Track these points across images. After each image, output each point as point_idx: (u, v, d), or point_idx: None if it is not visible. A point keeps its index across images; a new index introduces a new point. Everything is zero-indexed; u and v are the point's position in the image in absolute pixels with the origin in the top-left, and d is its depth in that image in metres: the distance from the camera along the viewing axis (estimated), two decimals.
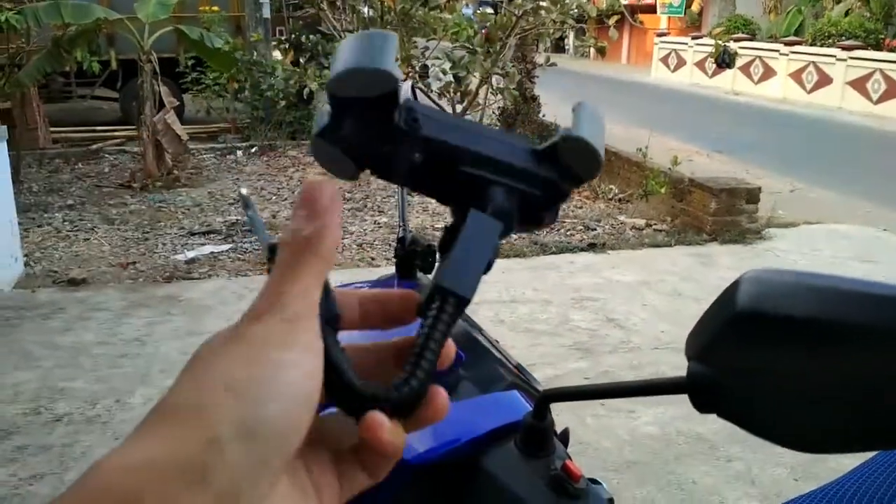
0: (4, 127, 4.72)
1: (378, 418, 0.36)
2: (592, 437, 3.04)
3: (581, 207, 6.41)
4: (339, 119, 0.41)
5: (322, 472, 0.37)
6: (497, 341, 1.23)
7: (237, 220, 5.89)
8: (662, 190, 6.14)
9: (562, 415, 3.16)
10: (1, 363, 3.61)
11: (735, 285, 0.50)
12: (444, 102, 7.81)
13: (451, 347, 0.39)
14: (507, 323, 4.07)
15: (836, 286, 0.46)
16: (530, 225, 0.45)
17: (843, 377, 0.46)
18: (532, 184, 0.43)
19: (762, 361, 0.48)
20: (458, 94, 7.76)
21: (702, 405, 0.52)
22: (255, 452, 0.30)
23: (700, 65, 18.99)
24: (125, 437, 0.32)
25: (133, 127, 7.79)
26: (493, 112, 8.59)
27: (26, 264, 4.88)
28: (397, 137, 0.40)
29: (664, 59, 20.83)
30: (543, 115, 8.12)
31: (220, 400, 0.31)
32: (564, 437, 0.88)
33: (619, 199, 6.56)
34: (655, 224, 5.89)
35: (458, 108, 7.80)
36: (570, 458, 0.71)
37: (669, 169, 6.31)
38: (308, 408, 0.33)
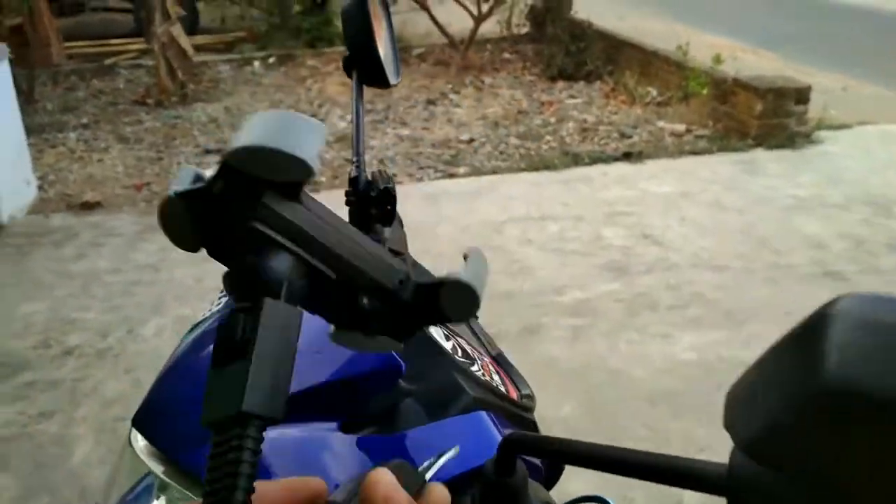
0: (4, 45, 4.47)
1: None
2: (624, 365, 2.85)
3: (616, 113, 6.03)
4: (217, 190, 0.39)
5: None
6: (474, 317, 0.96)
7: None
8: (704, 91, 5.74)
9: (594, 340, 2.94)
10: (12, 294, 3.50)
11: (821, 328, 0.30)
12: (469, 2, 7.35)
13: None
14: (536, 242, 3.84)
15: None
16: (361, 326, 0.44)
17: None
18: (386, 298, 0.43)
19: (856, 466, 0.29)
20: None
21: None
22: None
23: None
24: None
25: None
26: (522, 10, 8.09)
27: (40, 188, 4.74)
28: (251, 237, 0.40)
29: None
30: (575, 12, 7.62)
31: None
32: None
33: (658, 103, 6.16)
34: (696, 129, 5.52)
35: (485, 7, 7.34)
36: None
37: (711, 68, 5.88)
38: None
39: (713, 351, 2.92)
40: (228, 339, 0.38)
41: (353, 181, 0.88)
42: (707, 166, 4.86)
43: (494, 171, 4.86)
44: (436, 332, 0.77)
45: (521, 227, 4.01)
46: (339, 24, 6.69)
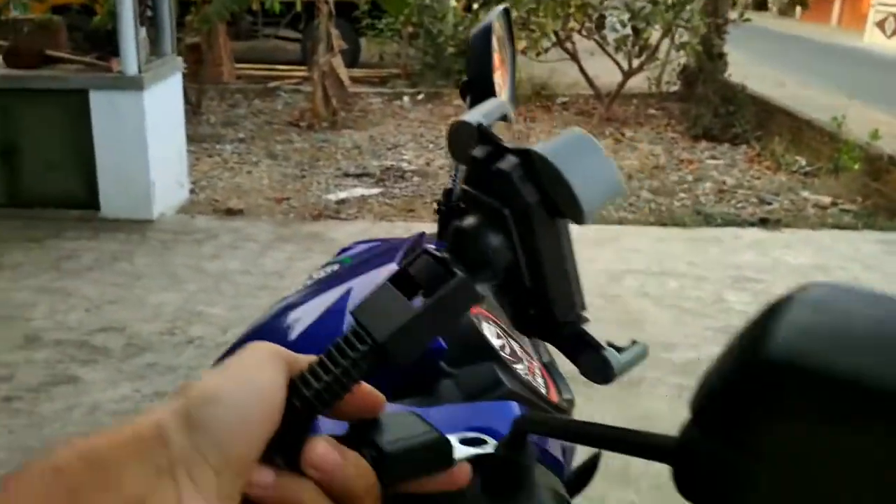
0: (180, 58, 4.92)
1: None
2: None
3: (758, 178, 5.81)
4: (507, 167, 0.43)
5: None
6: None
7: (392, 164, 5.88)
8: (856, 166, 5.43)
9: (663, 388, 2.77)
10: (150, 283, 3.80)
11: (779, 308, 0.32)
12: (620, 57, 7.36)
13: (372, 396, 0.42)
14: (652, 297, 3.75)
15: None
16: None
17: None
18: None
19: (792, 443, 0.30)
20: (636, 47, 7.28)
21: (686, 487, 0.33)
22: (195, 441, 0.35)
23: None
24: None
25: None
26: (674, 69, 7.99)
27: (192, 191, 5.13)
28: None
29: (880, 24, 18.60)
30: (729, 75, 7.44)
31: (177, 399, 0.37)
32: (588, 468, 0.64)
33: (805, 173, 5.88)
34: (842, 203, 5.22)
35: (636, 62, 7.32)
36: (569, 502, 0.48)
37: (867, 143, 5.57)
38: (257, 425, 0.37)
39: None
40: (415, 268, 0.42)
41: (447, 192, 0.92)
42: (849, 242, 4.58)
43: (620, 222, 4.80)
44: (487, 330, 0.79)
45: (640, 279, 3.92)
46: None
